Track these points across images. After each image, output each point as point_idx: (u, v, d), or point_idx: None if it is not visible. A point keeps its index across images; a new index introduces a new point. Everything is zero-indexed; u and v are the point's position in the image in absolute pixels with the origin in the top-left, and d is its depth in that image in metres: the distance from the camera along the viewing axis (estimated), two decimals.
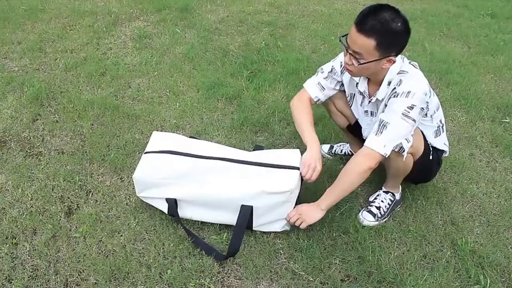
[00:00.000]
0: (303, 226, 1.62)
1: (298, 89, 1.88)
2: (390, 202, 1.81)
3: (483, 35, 3.67)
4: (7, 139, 2.13)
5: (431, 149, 1.69)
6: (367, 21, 1.38)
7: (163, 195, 1.66)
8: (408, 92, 1.47)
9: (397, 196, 1.85)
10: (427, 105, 1.54)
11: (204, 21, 3.50)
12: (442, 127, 1.72)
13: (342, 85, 1.78)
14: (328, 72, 1.75)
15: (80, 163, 2.00)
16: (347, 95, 1.80)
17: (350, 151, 2.12)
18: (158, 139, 1.80)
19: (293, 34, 3.45)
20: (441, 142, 1.74)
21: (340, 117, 1.91)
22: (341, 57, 1.71)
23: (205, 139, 2.20)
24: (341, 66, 1.72)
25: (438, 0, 4.51)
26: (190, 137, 2.01)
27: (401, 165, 1.64)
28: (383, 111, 1.56)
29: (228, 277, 1.55)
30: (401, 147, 1.51)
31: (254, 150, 1.89)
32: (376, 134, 1.51)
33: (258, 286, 1.53)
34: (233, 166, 1.65)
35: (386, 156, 1.50)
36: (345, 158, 2.13)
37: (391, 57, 1.45)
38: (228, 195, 1.61)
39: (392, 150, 1.51)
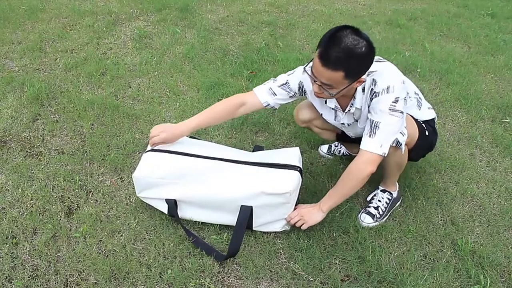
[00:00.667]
0: (304, 227, 1.62)
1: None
2: (388, 201, 1.82)
3: (483, 35, 3.67)
4: (7, 139, 2.13)
5: (423, 126, 1.68)
6: (330, 54, 1.34)
7: (162, 195, 1.66)
8: (388, 87, 1.45)
9: (394, 194, 1.85)
10: (407, 92, 1.53)
11: (204, 21, 3.50)
12: (419, 97, 1.70)
13: (296, 95, 1.74)
14: (283, 84, 1.70)
15: (80, 163, 2.00)
16: (315, 106, 1.78)
17: (348, 152, 2.13)
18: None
19: (293, 34, 3.45)
20: (425, 110, 1.71)
21: (325, 133, 1.93)
22: (298, 74, 1.68)
23: (205, 139, 2.20)
24: (299, 85, 1.68)
25: (438, 0, 4.51)
26: (190, 137, 2.01)
27: (399, 159, 1.65)
28: (368, 114, 1.54)
29: (228, 277, 1.55)
30: (398, 141, 1.52)
31: (253, 150, 1.89)
32: (370, 136, 1.50)
33: (258, 286, 1.53)
34: (232, 166, 1.66)
35: (385, 155, 1.51)
36: (344, 158, 2.13)
37: (360, 79, 1.43)
38: (228, 195, 1.61)
39: (390, 146, 1.51)
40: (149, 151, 1.71)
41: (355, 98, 1.56)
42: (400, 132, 1.51)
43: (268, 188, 1.58)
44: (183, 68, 2.83)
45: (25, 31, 3.15)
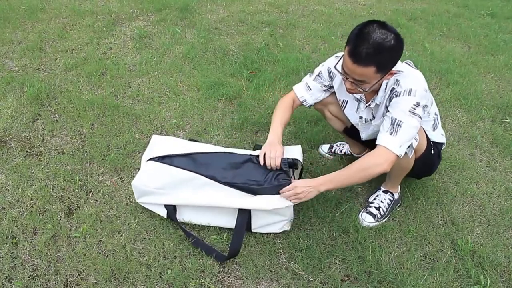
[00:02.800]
0: (295, 202, 1.58)
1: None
2: (389, 202, 1.82)
3: (483, 35, 3.67)
4: (7, 139, 2.13)
5: (431, 144, 1.69)
6: (360, 51, 1.35)
7: (161, 201, 1.66)
8: (410, 90, 1.45)
9: (396, 196, 1.85)
10: (430, 102, 1.52)
11: (204, 21, 3.50)
12: (437, 119, 1.71)
13: (331, 88, 1.77)
14: (316, 75, 1.75)
15: (80, 163, 2.00)
16: (338, 100, 1.79)
17: (350, 151, 2.12)
18: (158, 144, 1.80)
19: (293, 34, 3.45)
20: (438, 134, 1.73)
21: (335, 121, 1.91)
22: (329, 63, 1.71)
23: (205, 139, 2.20)
24: (329, 72, 1.71)
25: (438, 0, 4.51)
26: (189, 139, 2.01)
27: (405, 163, 1.64)
28: (385, 113, 1.53)
29: (228, 277, 1.55)
30: (411, 145, 1.51)
31: (254, 149, 1.89)
32: (391, 134, 1.45)
33: (258, 286, 1.53)
34: (231, 190, 1.63)
35: (401, 157, 1.47)
36: (345, 158, 2.13)
37: (391, 71, 1.44)
38: (226, 204, 1.61)
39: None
40: (149, 160, 1.71)
41: (377, 93, 1.56)
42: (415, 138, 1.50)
43: (269, 206, 1.58)
44: (183, 68, 2.83)
45: (25, 31, 3.15)
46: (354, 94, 1.64)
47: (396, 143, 1.45)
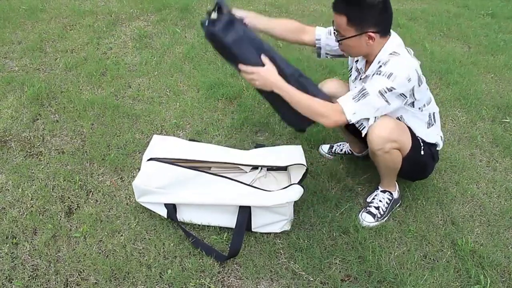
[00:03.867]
0: (250, 83, 1.58)
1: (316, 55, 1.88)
2: (388, 201, 1.82)
3: (483, 35, 3.67)
4: (7, 139, 2.13)
5: (421, 144, 1.68)
6: (339, 0, 1.48)
7: (161, 201, 1.67)
8: (390, 74, 1.47)
9: (395, 195, 1.85)
10: (411, 93, 1.52)
11: None
12: (434, 118, 1.70)
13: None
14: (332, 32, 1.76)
15: (80, 163, 2.00)
16: (349, 66, 1.82)
17: (350, 150, 2.12)
18: (159, 144, 1.80)
19: None
20: (434, 134, 1.72)
21: None
22: None
23: (205, 139, 2.20)
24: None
25: (438, 0, 4.51)
26: (190, 139, 2.02)
27: (389, 161, 1.65)
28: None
29: (228, 277, 1.55)
30: (364, 124, 1.57)
31: (255, 147, 1.90)
32: (353, 99, 1.51)
33: (258, 286, 1.53)
34: (233, 184, 1.65)
35: (351, 122, 1.53)
36: (345, 157, 2.13)
37: (369, 33, 1.48)
38: (227, 202, 1.62)
39: (357, 124, 1.57)
40: (150, 159, 1.71)
41: (371, 66, 1.59)
42: (375, 117, 1.54)
43: (269, 203, 1.59)
44: (183, 68, 2.83)
45: (25, 31, 3.15)
46: (358, 64, 1.70)
47: (351, 108, 1.51)
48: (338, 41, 1.56)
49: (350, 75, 1.81)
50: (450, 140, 2.33)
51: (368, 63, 1.64)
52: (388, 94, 1.47)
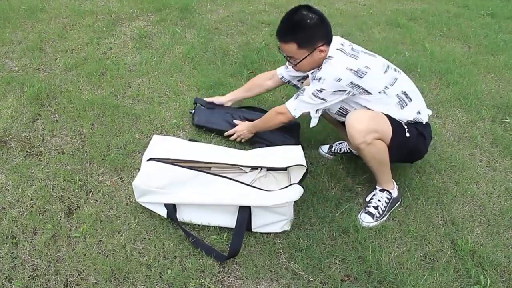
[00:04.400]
0: (237, 140, 2.11)
1: (298, 89, 1.90)
2: (387, 200, 1.82)
3: (483, 35, 3.67)
4: (7, 139, 2.13)
5: (405, 127, 1.70)
6: (280, 30, 1.65)
7: (161, 201, 1.67)
8: (320, 78, 1.66)
9: (394, 194, 1.85)
10: (353, 86, 1.65)
11: (204, 21, 3.51)
12: (406, 96, 1.73)
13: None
14: None
15: (80, 163, 2.00)
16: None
17: (349, 149, 2.13)
18: (159, 144, 1.80)
19: None
20: (412, 112, 1.74)
21: (328, 115, 1.98)
22: None
23: (206, 139, 2.20)
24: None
25: (438, 0, 4.51)
26: (190, 139, 2.02)
27: (375, 153, 1.67)
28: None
29: (228, 277, 1.55)
30: (309, 113, 1.78)
31: (255, 148, 1.90)
32: (295, 98, 1.78)
33: (258, 286, 1.53)
34: (233, 184, 1.65)
35: (296, 117, 1.79)
36: (345, 157, 2.13)
37: (320, 47, 1.64)
38: (227, 202, 1.62)
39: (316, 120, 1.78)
40: (150, 159, 1.71)
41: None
42: (316, 110, 1.75)
43: (269, 203, 1.59)
44: (183, 68, 2.83)
45: (25, 31, 3.15)
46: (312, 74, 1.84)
47: (293, 105, 1.78)
48: (294, 65, 1.73)
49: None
50: (450, 140, 2.33)
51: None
52: (321, 94, 1.68)
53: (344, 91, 1.66)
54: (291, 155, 1.76)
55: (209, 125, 2.21)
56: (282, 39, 1.65)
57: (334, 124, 2.11)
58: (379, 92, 1.68)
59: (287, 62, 1.84)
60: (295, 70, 1.84)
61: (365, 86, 1.66)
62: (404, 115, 1.73)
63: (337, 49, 1.67)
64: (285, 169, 1.79)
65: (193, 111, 2.26)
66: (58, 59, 2.83)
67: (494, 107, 2.63)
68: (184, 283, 1.50)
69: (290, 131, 2.15)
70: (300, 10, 1.61)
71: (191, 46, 3.07)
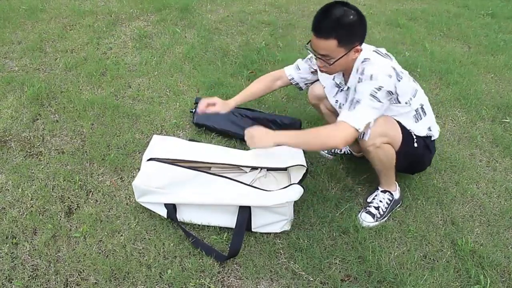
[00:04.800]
0: (249, 145, 1.63)
1: (301, 90, 1.90)
2: (388, 201, 1.81)
3: (483, 35, 3.67)
4: (7, 139, 2.13)
5: (414, 136, 1.68)
6: (321, 25, 1.48)
7: (161, 201, 1.67)
8: (371, 76, 1.51)
9: (395, 195, 1.85)
10: (395, 90, 1.55)
11: (204, 21, 3.50)
12: (422, 111, 1.70)
13: (316, 73, 1.87)
14: (307, 58, 1.89)
15: (80, 163, 2.00)
16: (323, 86, 1.86)
17: (349, 150, 2.13)
18: (159, 144, 1.80)
19: (293, 34, 3.45)
20: (424, 127, 1.72)
21: (332, 116, 1.95)
22: None
23: (206, 139, 2.20)
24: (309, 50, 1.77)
25: (438, 0, 4.51)
26: (190, 139, 2.02)
27: (382, 156, 1.65)
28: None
29: (228, 277, 1.55)
30: (363, 131, 1.57)
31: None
32: (349, 109, 1.53)
33: (258, 286, 1.53)
34: (233, 184, 1.65)
35: (360, 131, 1.52)
36: (345, 157, 2.13)
37: (356, 47, 1.53)
38: (227, 202, 1.62)
39: (363, 132, 1.56)
40: (150, 159, 1.71)
41: (349, 77, 1.64)
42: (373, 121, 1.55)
43: (269, 203, 1.59)
44: (183, 68, 2.83)
45: (25, 31, 3.15)
46: (335, 79, 1.74)
47: (352, 117, 1.52)
48: (329, 65, 1.55)
49: (325, 91, 1.85)
50: (450, 140, 2.33)
51: (345, 75, 1.69)
52: (379, 93, 1.50)
53: (392, 93, 1.54)
54: (291, 155, 1.76)
55: (209, 123, 2.20)
56: (322, 34, 1.48)
57: None
58: (406, 102, 1.62)
59: (315, 60, 1.61)
60: (323, 70, 1.63)
61: (399, 91, 1.57)
62: (417, 129, 1.69)
63: (373, 50, 1.61)
64: (285, 169, 1.79)
65: (194, 110, 2.25)
66: (58, 59, 2.83)
67: (494, 107, 2.63)
68: (184, 283, 1.50)
69: (291, 129, 2.16)
70: (340, 6, 1.49)
71: (191, 46, 3.07)
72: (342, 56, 1.53)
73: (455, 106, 2.63)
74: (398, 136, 1.63)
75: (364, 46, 1.60)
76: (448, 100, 2.67)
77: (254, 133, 1.62)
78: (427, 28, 3.74)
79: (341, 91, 1.73)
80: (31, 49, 2.90)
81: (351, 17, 1.47)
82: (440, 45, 3.44)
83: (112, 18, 3.42)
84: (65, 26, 3.26)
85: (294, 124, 2.19)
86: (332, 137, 1.52)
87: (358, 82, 1.54)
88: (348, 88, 1.65)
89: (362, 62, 1.56)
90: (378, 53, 1.60)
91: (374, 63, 1.55)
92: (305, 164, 1.71)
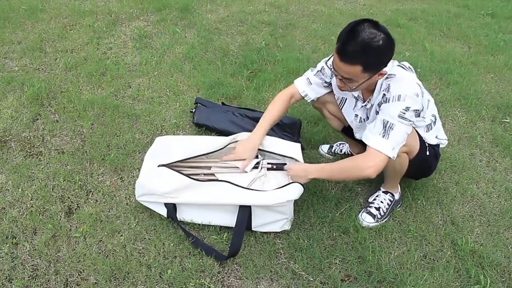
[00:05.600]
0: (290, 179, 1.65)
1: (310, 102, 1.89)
2: (389, 202, 1.82)
3: (483, 35, 3.67)
4: (7, 139, 2.13)
5: (427, 146, 1.68)
6: (347, 49, 1.37)
7: (162, 201, 1.66)
8: (399, 96, 1.44)
9: (396, 196, 1.85)
10: (422, 107, 1.50)
11: (204, 21, 3.50)
12: (434, 121, 1.69)
13: (331, 85, 1.78)
14: (318, 71, 1.77)
15: (80, 163, 2.00)
16: (337, 98, 1.80)
17: (350, 151, 2.12)
18: (164, 146, 1.80)
19: (293, 34, 3.45)
20: (432, 136, 1.71)
21: (334, 120, 1.92)
22: (331, 59, 1.70)
23: None
24: (330, 68, 1.69)
25: (438, 0, 4.51)
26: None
27: (397, 165, 1.64)
28: (375, 115, 1.55)
29: (228, 277, 1.55)
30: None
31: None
32: (383, 137, 1.46)
33: (258, 286, 1.53)
34: (237, 190, 1.65)
35: (394, 159, 1.48)
36: (345, 157, 2.13)
37: (381, 71, 1.44)
38: (228, 201, 1.62)
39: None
40: (162, 165, 1.70)
41: (373, 94, 1.57)
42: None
43: (270, 202, 1.59)
44: (183, 68, 2.83)
45: (25, 31, 3.15)
46: (353, 92, 1.65)
47: (388, 146, 1.45)
48: (351, 89, 1.48)
49: (342, 105, 1.79)
50: (450, 140, 2.33)
51: (367, 90, 1.62)
52: (407, 114, 1.44)
53: (418, 112, 1.49)
54: (291, 149, 1.77)
55: (209, 123, 2.20)
56: (348, 60, 1.38)
57: (339, 131, 2.01)
58: (423, 117, 1.58)
59: (335, 78, 1.54)
60: (342, 90, 1.55)
61: (423, 106, 1.52)
62: (428, 138, 1.68)
63: (397, 65, 1.54)
64: (283, 156, 1.78)
65: (194, 110, 2.25)
66: (58, 59, 2.83)
67: (494, 107, 2.63)
68: (184, 283, 1.50)
69: (291, 129, 2.15)
70: (368, 27, 1.35)
71: (191, 46, 3.07)
72: (365, 81, 1.45)
73: (455, 106, 2.63)
74: (417, 146, 1.61)
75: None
76: (448, 100, 2.67)
77: (291, 172, 1.66)
78: (427, 28, 3.74)
79: (361, 107, 1.67)
80: (31, 49, 2.90)
81: (380, 42, 1.34)
82: (440, 45, 3.45)
83: (112, 18, 3.42)
84: (65, 26, 3.26)
85: (294, 124, 2.19)
86: (366, 169, 1.46)
87: (383, 100, 1.48)
88: (372, 105, 1.60)
89: (386, 78, 1.50)
90: (402, 68, 1.54)
91: (401, 80, 1.47)
92: (302, 160, 1.71)
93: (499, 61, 3.21)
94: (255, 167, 1.81)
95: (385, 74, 1.46)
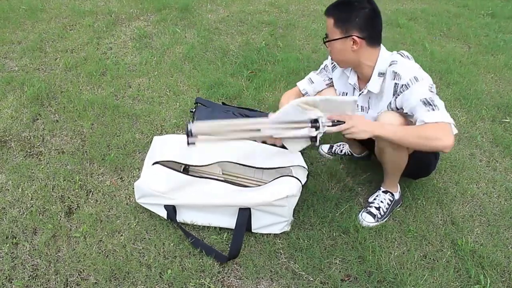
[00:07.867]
0: (347, 136, 1.48)
1: None
2: (389, 202, 1.81)
3: (483, 35, 3.67)
4: (7, 139, 2.13)
5: None
6: (331, 5, 1.53)
7: (161, 202, 1.66)
8: (415, 77, 1.47)
9: (396, 196, 1.85)
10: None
11: (204, 21, 3.50)
12: None
13: (331, 82, 1.83)
14: (321, 69, 1.84)
15: (80, 163, 2.00)
16: (338, 93, 1.82)
17: (349, 151, 2.13)
18: (161, 146, 1.79)
19: (293, 34, 3.45)
20: None
21: None
22: None
23: None
24: (332, 63, 1.78)
25: (438, 0, 4.51)
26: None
27: (397, 158, 1.65)
28: (379, 104, 1.60)
29: (228, 277, 1.55)
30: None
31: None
32: (433, 110, 1.42)
33: (258, 286, 1.53)
34: (237, 189, 1.65)
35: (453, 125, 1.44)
36: (345, 158, 2.13)
37: (354, 37, 1.48)
38: (227, 202, 1.62)
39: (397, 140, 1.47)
40: (155, 163, 1.69)
41: (369, 81, 1.59)
42: None
43: (268, 198, 1.59)
44: (183, 68, 2.83)
45: (25, 31, 3.15)
46: (349, 80, 1.70)
47: (444, 114, 1.43)
48: (324, 42, 1.58)
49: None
50: None
51: (362, 80, 1.65)
52: (433, 88, 1.48)
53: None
54: (291, 157, 1.75)
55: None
56: (326, 12, 1.53)
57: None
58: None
59: (335, 72, 1.69)
60: (332, 59, 1.66)
61: None
62: None
63: (397, 53, 1.57)
64: (288, 169, 1.77)
65: (194, 110, 2.25)
66: (58, 59, 2.83)
67: (494, 107, 2.63)
68: (184, 283, 1.50)
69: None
70: None
71: (191, 46, 3.07)
72: (337, 39, 1.52)
73: (455, 106, 2.63)
74: None
75: (385, 50, 1.58)
76: (448, 100, 2.67)
77: (355, 124, 1.45)
78: (427, 28, 3.74)
79: (360, 95, 1.68)
80: (31, 49, 2.90)
81: (357, 4, 1.45)
82: (440, 45, 3.45)
83: (112, 18, 3.42)
84: (65, 26, 3.26)
85: None
86: (437, 139, 1.39)
87: (401, 89, 1.49)
88: (369, 91, 1.62)
89: (390, 65, 1.53)
90: (402, 55, 1.57)
91: (404, 64, 1.51)
92: (305, 165, 1.71)
93: (499, 61, 3.21)
94: (314, 126, 1.53)
95: (359, 44, 1.49)
